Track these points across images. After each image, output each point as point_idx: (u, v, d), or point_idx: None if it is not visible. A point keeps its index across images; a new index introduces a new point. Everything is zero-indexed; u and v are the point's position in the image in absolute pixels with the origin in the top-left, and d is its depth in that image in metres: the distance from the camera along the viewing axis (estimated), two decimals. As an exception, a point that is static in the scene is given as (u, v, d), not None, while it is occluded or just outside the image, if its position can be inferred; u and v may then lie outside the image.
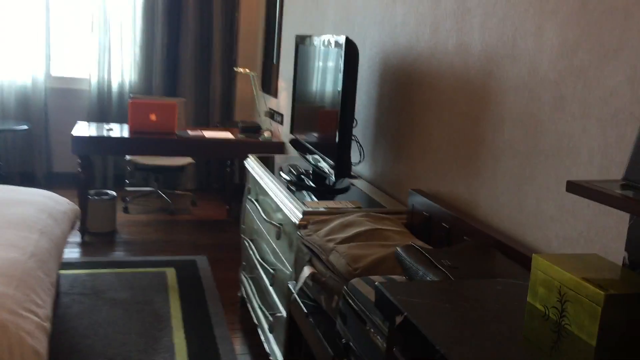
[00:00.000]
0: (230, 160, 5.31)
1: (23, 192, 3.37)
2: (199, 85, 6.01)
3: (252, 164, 3.42)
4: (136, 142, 4.46)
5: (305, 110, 3.22)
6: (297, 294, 2.23)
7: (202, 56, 5.98)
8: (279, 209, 2.76)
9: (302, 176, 2.99)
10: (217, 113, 6.08)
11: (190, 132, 4.73)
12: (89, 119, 5.78)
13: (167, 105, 4.62)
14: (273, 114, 5.10)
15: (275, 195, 2.84)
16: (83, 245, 4.40)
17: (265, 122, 4.88)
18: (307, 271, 2.14)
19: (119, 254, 4.29)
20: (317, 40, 2.91)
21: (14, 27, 5.55)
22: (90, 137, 4.36)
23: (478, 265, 1.73)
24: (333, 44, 2.67)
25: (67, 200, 3.46)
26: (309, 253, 2.22)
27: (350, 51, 2.53)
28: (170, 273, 3.98)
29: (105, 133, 4.49)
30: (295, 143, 3.34)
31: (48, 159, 5.84)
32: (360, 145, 2.92)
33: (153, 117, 4.57)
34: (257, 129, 4.99)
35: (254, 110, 5.92)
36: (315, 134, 3.06)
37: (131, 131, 4.55)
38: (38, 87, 5.67)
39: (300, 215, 2.45)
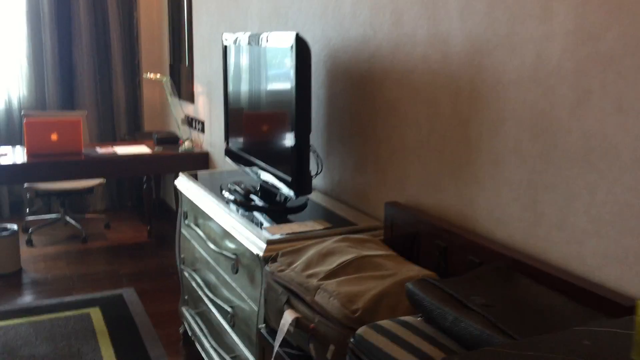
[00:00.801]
0: (148, 176, 4.80)
1: None
2: (100, 95, 5.42)
3: (185, 184, 2.99)
4: (36, 168, 3.87)
5: (244, 117, 2.84)
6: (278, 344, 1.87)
7: (100, 62, 5.38)
8: (230, 236, 2.38)
9: (251, 195, 2.61)
10: (124, 124, 5.52)
11: (100, 150, 4.19)
12: (-26, 142, 5.05)
13: (69, 122, 4.05)
14: (191, 121, 4.64)
15: (222, 219, 2.46)
16: (-16, 292, 3.77)
17: (182, 131, 4.43)
18: (288, 317, 1.79)
19: (29, 298, 3.71)
20: (255, 39, 2.54)
21: None
22: (-19, 166, 3.73)
23: (511, 299, 1.46)
24: (278, 42, 2.31)
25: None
26: (285, 293, 1.86)
27: (302, 49, 2.18)
28: (96, 314, 3.47)
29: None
30: (231, 154, 2.95)
31: None
32: (318, 155, 2.59)
33: (54, 136, 4.00)
34: (175, 140, 4.52)
35: (165, 118, 5.42)
36: (260, 144, 2.69)
37: (29, 154, 3.95)
38: None
39: (264, 245, 2.08)
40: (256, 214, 2.43)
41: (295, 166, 2.25)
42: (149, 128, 5.54)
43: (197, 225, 2.84)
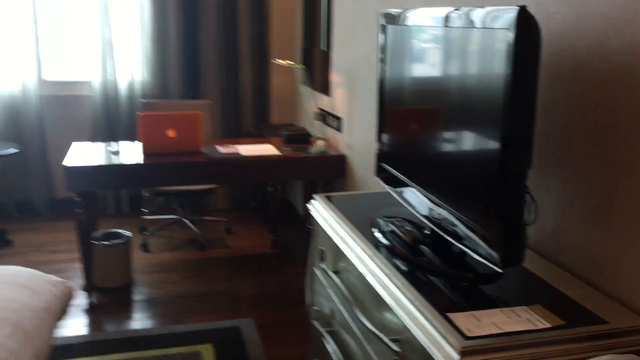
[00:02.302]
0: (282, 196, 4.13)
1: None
2: (225, 83, 4.83)
3: (322, 211, 2.24)
4: (150, 170, 3.30)
5: (408, 123, 2.02)
6: None
7: (226, 46, 4.78)
8: (389, 310, 1.59)
9: (417, 243, 1.80)
10: (250, 116, 4.90)
11: (221, 149, 3.56)
12: (94, 130, 4.65)
13: (189, 116, 3.45)
14: (325, 117, 3.90)
15: (376, 278, 1.67)
16: (90, 311, 3.28)
17: (315, 127, 3.70)
18: None
19: (137, 323, 3.17)
20: (438, 17, 1.70)
21: (-6, 23, 4.42)
22: (89, 168, 3.21)
23: None
24: (482, 20, 1.46)
25: (53, 280, 2.32)
26: None
27: (529, 32, 1.32)
28: (207, 352, 2.85)
29: (109, 159, 3.34)
30: (385, 174, 2.15)
31: (48, 183, 4.73)
32: (532, 196, 1.72)
33: (171, 132, 3.41)
34: (306, 138, 3.81)
35: (295, 111, 4.73)
36: (433, 165, 1.87)
37: (144, 153, 3.40)
38: (29, 95, 4.54)
39: (456, 356, 1.27)
40: (426, 278, 1.62)
41: (501, 217, 1.40)
42: (277, 120, 4.89)
43: (336, 272, 2.08)
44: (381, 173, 2.21)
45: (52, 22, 4.69)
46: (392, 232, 1.90)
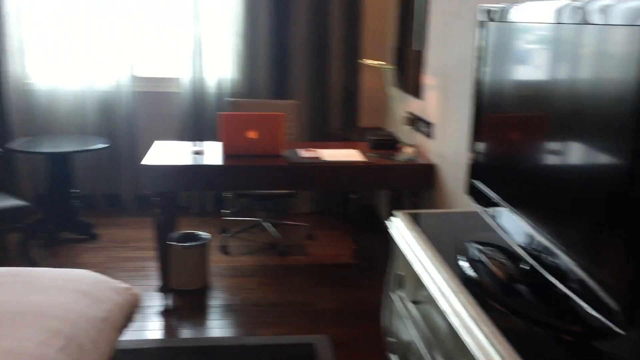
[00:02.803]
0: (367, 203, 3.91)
1: (60, 276, 2.17)
2: (314, 83, 4.66)
3: (402, 230, 2.00)
4: (228, 173, 3.18)
5: (511, 133, 1.74)
6: None
7: (316, 44, 4.61)
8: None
9: (512, 282, 1.53)
10: (338, 117, 4.70)
11: (303, 152, 3.38)
12: (182, 127, 4.62)
13: (270, 118, 3.30)
14: (415, 121, 3.64)
15: (462, 326, 1.42)
16: (164, 314, 3.21)
17: (404, 132, 3.45)
18: None
19: (209, 331, 3.05)
20: (551, 13, 1.42)
21: (92, 22, 4.48)
22: (166, 168, 3.13)
23: None
24: (610, 16, 1.17)
25: (118, 286, 2.22)
26: None
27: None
28: (277, 370, 2.68)
29: (188, 159, 3.25)
30: (476, 191, 1.88)
31: (135, 179, 4.75)
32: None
33: (252, 134, 3.27)
34: (393, 144, 3.56)
35: (385, 115, 4.49)
36: (536, 185, 1.58)
37: (224, 154, 3.29)
38: (122, 91, 4.58)
39: None
40: (525, 328, 1.35)
41: (629, 257, 1.11)
42: (366, 124, 4.66)
43: (415, 302, 1.84)
44: (472, 189, 1.94)
45: (146, 18, 4.71)
46: (482, 262, 1.63)
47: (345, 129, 4.52)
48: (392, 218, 2.12)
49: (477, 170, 1.92)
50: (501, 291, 1.49)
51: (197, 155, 3.31)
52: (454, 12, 3.00)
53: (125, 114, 4.61)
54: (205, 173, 3.15)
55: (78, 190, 4.16)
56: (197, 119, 4.65)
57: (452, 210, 2.14)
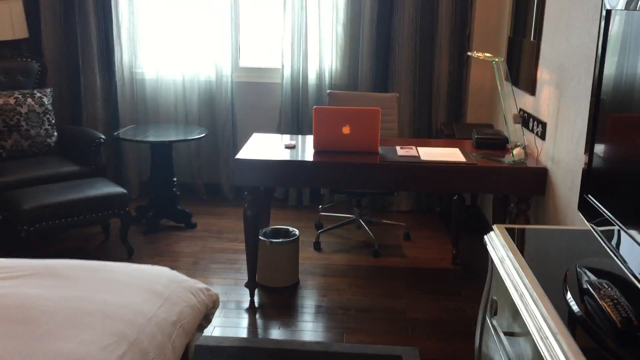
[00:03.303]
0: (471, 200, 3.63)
1: (135, 274, 2.12)
2: (419, 74, 4.40)
3: (500, 249, 1.74)
4: (320, 170, 3.02)
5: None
6: None
7: (422, 33, 4.34)
8: None
9: (634, 331, 1.24)
10: (442, 112, 4.41)
11: (400, 150, 3.16)
12: (282, 118, 4.54)
13: (366, 112, 3.10)
14: (526, 119, 3.29)
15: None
16: (249, 311, 3.13)
17: (512, 133, 3.12)
18: None
19: (294, 333, 2.94)
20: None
21: (197, 11, 4.49)
22: (259, 162, 3.03)
23: None
24: None
25: (195, 287, 2.13)
26: None
27: None
28: (359, 384, 2.51)
29: (280, 154, 3.13)
30: (588, 208, 1.59)
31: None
32: None
33: (346, 129, 3.09)
34: (501, 144, 3.24)
35: (494, 111, 4.14)
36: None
37: (316, 149, 3.14)
38: (224, 81, 4.57)
39: None
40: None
41: None
42: (473, 119, 4.34)
43: (509, 334, 1.58)
44: (584, 204, 1.65)
45: (250, 7, 4.66)
46: (594, 299, 1.36)
47: (450, 125, 4.23)
48: (490, 233, 1.86)
49: (593, 181, 1.63)
50: (615, 338, 1.22)
51: (288, 150, 3.19)
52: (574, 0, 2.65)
53: (226, 103, 4.60)
54: (294, 169, 3.02)
55: (175, 179, 4.18)
56: (296, 110, 4.54)
57: (561, 227, 1.85)
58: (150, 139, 4.02)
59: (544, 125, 3.02)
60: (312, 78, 4.52)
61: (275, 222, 4.14)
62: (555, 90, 2.87)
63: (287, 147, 3.24)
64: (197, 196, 4.75)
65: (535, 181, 2.96)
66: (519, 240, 1.77)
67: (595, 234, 1.56)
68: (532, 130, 3.19)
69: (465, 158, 3.05)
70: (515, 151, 3.02)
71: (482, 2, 4.19)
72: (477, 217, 4.27)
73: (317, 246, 3.90)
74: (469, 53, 3.17)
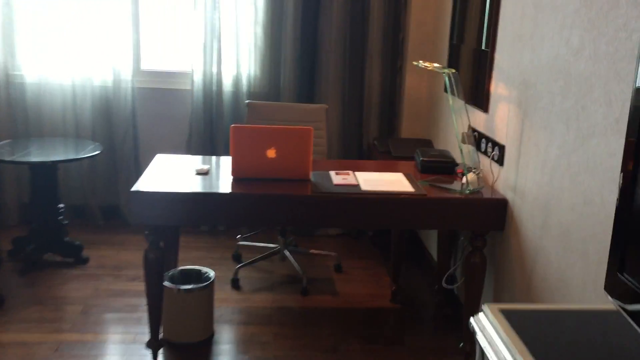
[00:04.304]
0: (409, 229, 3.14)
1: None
2: (348, 83, 3.90)
3: (494, 338, 1.24)
4: (239, 204, 2.43)
5: None
6: None
7: (352, 38, 3.84)
8: None
9: None
10: (375, 126, 3.93)
11: (335, 177, 2.63)
12: (192, 132, 3.89)
13: (295, 133, 2.54)
14: (478, 140, 2.85)
15: None
16: (151, 379, 2.50)
17: (463, 152, 2.68)
18: None
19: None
20: None
21: (90, 5, 3.77)
22: (163, 195, 2.39)
23: None
24: None
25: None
26: None
27: None
28: None
29: (191, 183, 2.51)
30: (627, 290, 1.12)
31: (137, 189, 4.05)
32: None
33: (271, 152, 2.53)
34: (450, 168, 2.79)
35: (432, 125, 3.70)
36: None
37: (235, 176, 2.55)
38: (123, 87, 3.87)
39: None
40: None
41: None
42: (408, 134, 3.89)
43: None
44: (618, 286, 1.18)
45: (154, 2, 3.98)
46: None
47: (383, 140, 3.75)
48: (478, 315, 1.36)
49: (633, 255, 1.16)
50: None
51: (200, 177, 2.58)
52: (543, 2, 2.22)
53: (126, 113, 3.90)
54: (207, 203, 2.41)
55: (62, 205, 3.45)
56: (209, 122, 3.91)
57: (576, 306, 1.39)
58: (31, 158, 3.26)
59: (501, 148, 2.58)
60: (227, 85, 3.91)
61: (185, 254, 3.51)
62: (516, 109, 2.44)
63: (198, 173, 2.63)
64: (92, 221, 4.02)
65: (493, 214, 2.51)
66: (519, 327, 1.28)
67: (627, 316, 1.09)
68: (485, 153, 2.75)
69: (413, 187, 2.56)
70: (469, 178, 2.57)
71: (418, 3, 3.74)
72: (416, 243, 3.82)
73: (235, 283, 3.30)
74: (415, 63, 2.68)
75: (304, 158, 2.55)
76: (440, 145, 3.50)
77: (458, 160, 2.83)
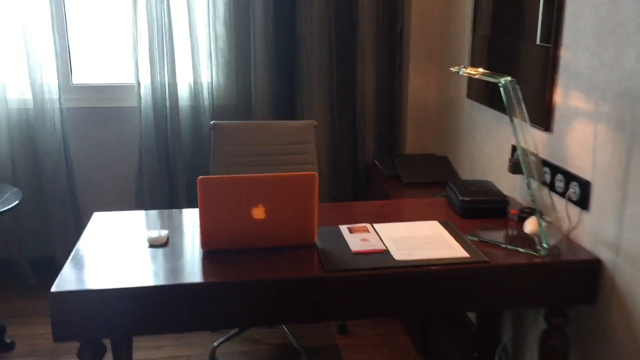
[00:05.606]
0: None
1: None
2: (336, 91, 3.07)
3: None
4: (212, 299, 1.57)
5: None
6: None
7: (339, 32, 3.01)
8: None
9: None
10: (371, 141, 3.11)
11: (350, 236, 1.80)
12: (143, 161, 3.01)
13: (293, 180, 1.70)
14: (540, 171, 2.05)
15: None
16: None
17: (536, 195, 1.89)
18: None
19: None
20: None
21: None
22: (101, 294, 1.52)
23: None
24: None
25: None
26: None
27: None
28: None
29: (141, 270, 1.65)
30: None
31: (78, 233, 3.14)
32: None
33: (258, 212, 1.69)
34: (500, 207, 1.99)
35: (443, 136, 2.91)
36: None
37: (205, 249, 1.70)
38: (48, 108, 2.95)
39: None
40: None
41: None
42: (415, 148, 3.09)
43: None
44: None
45: (79, 3, 3.07)
46: None
47: (387, 159, 2.95)
48: None
49: None
50: None
51: (154, 249, 1.72)
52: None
53: (55, 141, 2.98)
54: (166, 302, 1.55)
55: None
56: (164, 147, 3.03)
57: None
58: None
59: (583, 185, 1.80)
60: (184, 97, 3.04)
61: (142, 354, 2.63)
62: (612, 132, 1.66)
63: (152, 244, 1.77)
64: (21, 280, 3.10)
65: (580, 281, 1.74)
66: None
67: None
68: (555, 190, 1.96)
69: (464, 247, 1.75)
70: (543, 227, 1.77)
71: (419, -14, 2.92)
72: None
73: (211, 366, 2.46)
74: (454, 69, 1.88)
75: (306, 216, 1.72)
76: (459, 163, 2.72)
77: (505, 192, 2.05)
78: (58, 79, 2.94)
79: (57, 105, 2.96)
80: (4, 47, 2.88)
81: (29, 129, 2.99)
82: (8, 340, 2.56)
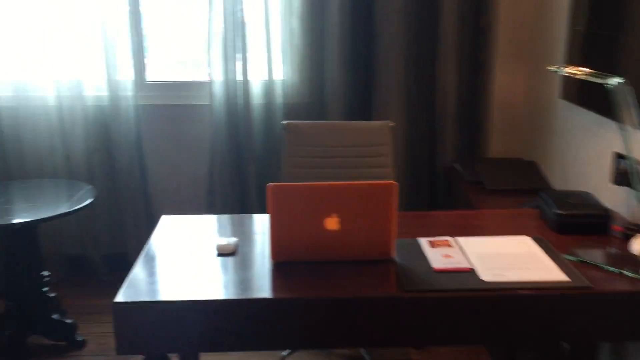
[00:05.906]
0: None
1: None
2: (416, 89, 2.90)
3: None
4: (282, 316, 1.46)
5: None
6: None
7: (419, 28, 2.83)
8: None
9: None
10: (451, 145, 2.92)
11: (432, 250, 1.64)
12: (214, 161, 2.95)
13: (371, 189, 1.56)
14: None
15: None
16: None
17: (616, 196, 1.67)
18: None
19: None
20: None
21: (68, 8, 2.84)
22: (166, 307, 1.44)
23: None
24: None
25: None
26: None
27: None
28: None
29: (208, 281, 1.56)
30: None
31: (150, 229, 3.13)
32: None
33: (332, 222, 1.56)
34: (601, 223, 1.77)
35: (531, 140, 2.67)
36: None
37: (275, 260, 1.59)
38: (123, 105, 2.94)
39: None
40: None
41: None
42: (499, 152, 2.87)
43: None
44: None
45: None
46: None
47: (468, 164, 2.75)
48: None
49: None
50: None
51: (223, 258, 1.63)
52: None
53: (129, 138, 2.97)
54: (232, 317, 1.45)
55: (46, 273, 2.54)
56: (236, 145, 2.96)
57: None
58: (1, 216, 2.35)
59: None
60: (256, 94, 2.95)
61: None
62: None
63: (221, 253, 1.68)
64: (94, 276, 3.12)
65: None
66: None
67: None
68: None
69: (563, 270, 1.55)
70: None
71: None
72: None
73: (279, 377, 2.36)
74: (552, 68, 1.67)
75: (384, 228, 1.57)
76: (550, 169, 2.49)
77: (605, 204, 1.82)
78: (133, 74, 2.93)
79: (132, 102, 2.95)
80: (83, 44, 2.89)
81: (104, 125, 2.99)
82: (80, 338, 2.56)
